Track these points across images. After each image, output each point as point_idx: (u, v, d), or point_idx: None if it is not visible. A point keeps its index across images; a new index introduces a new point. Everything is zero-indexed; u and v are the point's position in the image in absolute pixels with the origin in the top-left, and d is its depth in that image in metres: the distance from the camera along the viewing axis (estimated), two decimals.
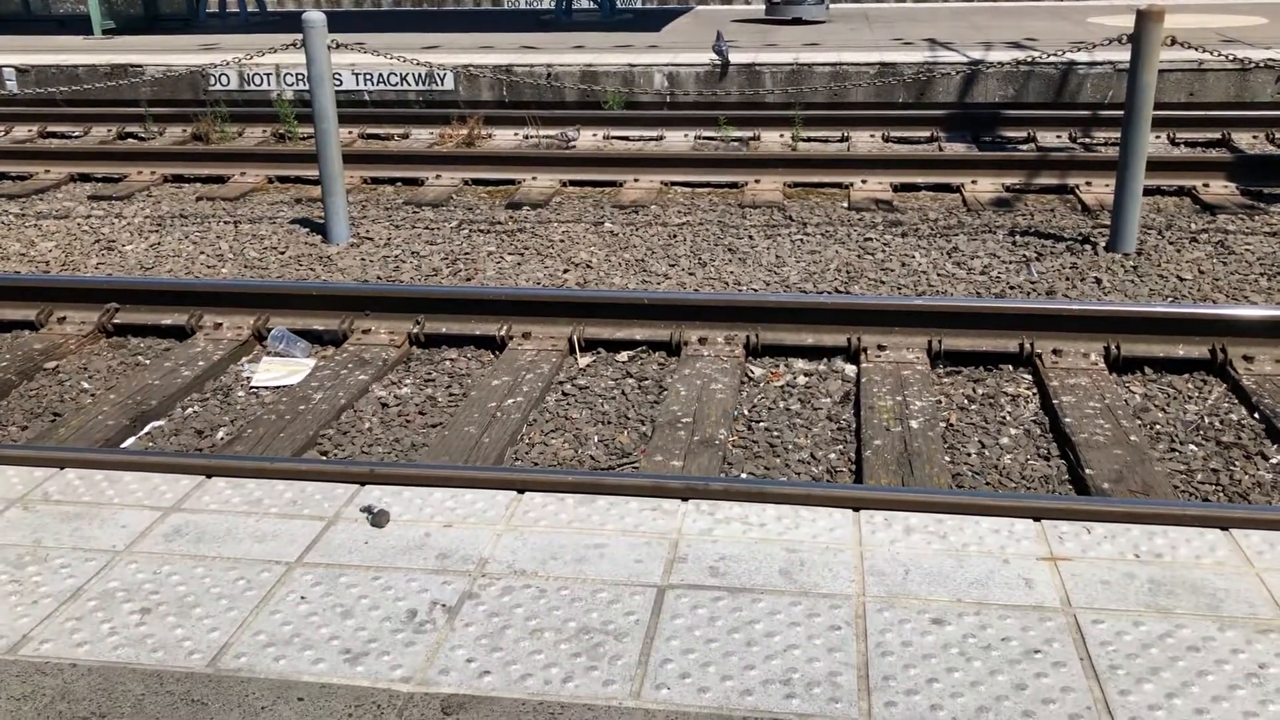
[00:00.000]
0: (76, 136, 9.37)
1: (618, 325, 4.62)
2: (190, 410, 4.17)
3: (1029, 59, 6.80)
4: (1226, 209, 6.41)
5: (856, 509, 2.70)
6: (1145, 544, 2.53)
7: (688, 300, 4.60)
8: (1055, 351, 4.29)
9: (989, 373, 4.31)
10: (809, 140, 8.43)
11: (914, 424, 3.80)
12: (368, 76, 9.86)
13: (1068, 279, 5.33)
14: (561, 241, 6.15)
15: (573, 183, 7.42)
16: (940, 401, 4.07)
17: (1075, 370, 4.19)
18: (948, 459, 3.64)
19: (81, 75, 10.41)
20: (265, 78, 9.97)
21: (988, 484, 3.51)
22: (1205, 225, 6.17)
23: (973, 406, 4.04)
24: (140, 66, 10.32)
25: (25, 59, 10.75)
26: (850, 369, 4.36)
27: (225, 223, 6.69)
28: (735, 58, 9.59)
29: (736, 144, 8.30)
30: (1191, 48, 5.86)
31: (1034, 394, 4.12)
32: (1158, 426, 3.85)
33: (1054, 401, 3.95)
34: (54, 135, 9.44)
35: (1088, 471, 3.49)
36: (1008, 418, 3.94)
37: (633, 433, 3.91)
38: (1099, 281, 5.28)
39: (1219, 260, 5.56)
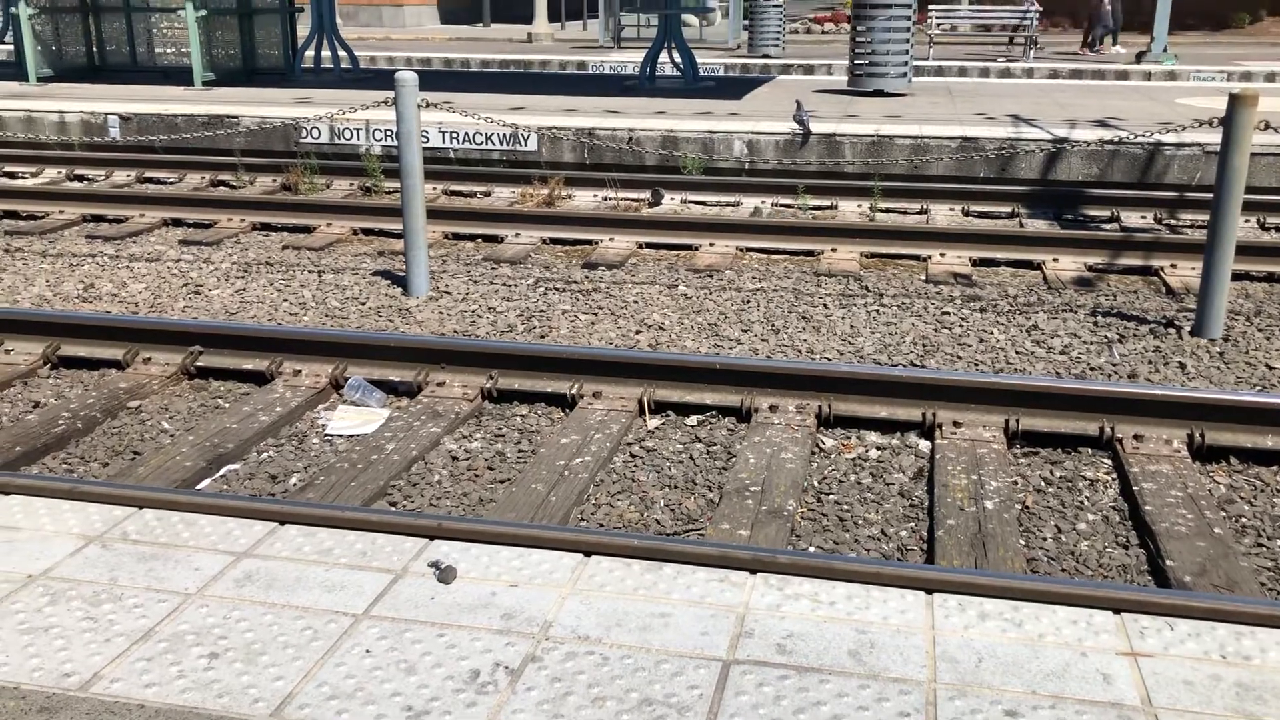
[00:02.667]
0: (172, 183, 9.70)
1: (688, 389, 4.61)
2: (265, 455, 4.24)
3: (1114, 138, 6.73)
4: None
5: (929, 591, 2.64)
6: (1232, 644, 2.43)
7: (760, 367, 4.58)
8: (1136, 437, 4.18)
9: (1067, 455, 4.21)
10: (887, 211, 8.41)
11: (989, 504, 3.72)
12: (454, 135, 10.08)
13: (1150, 363, 5.22)
14: (635, 302, 6.18)
15: (649, 245, 7.48)
16: (1016, 482, 3.98)
17: (1157, 457, 4.07)
18: (1023, 542, 3.56)
19: (180, 124, 10.80)
20: (355, 132, 10.25)
21: (1064, 571, 3.42)
22: None
23: (1049, 489, 3.95)
24: (236, 117, 10.68)
25: (129, 107, 11.19)
26: (924, 445, 4.29)
27: (309, 272, 6.84)
28: (816, 127, 9.64)
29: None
30: None
31: (1113, 479, 4.01)
32: (1244, 520, 3.72)
33: (1134, 488, 3.85)
34: (151, 181, 9.78)
35: (1169, 563, 3.38)
36: (1086, 503, 3.84)
37: (699, 499, 3.88)
38: (1183, 366, 5.16)
39: None
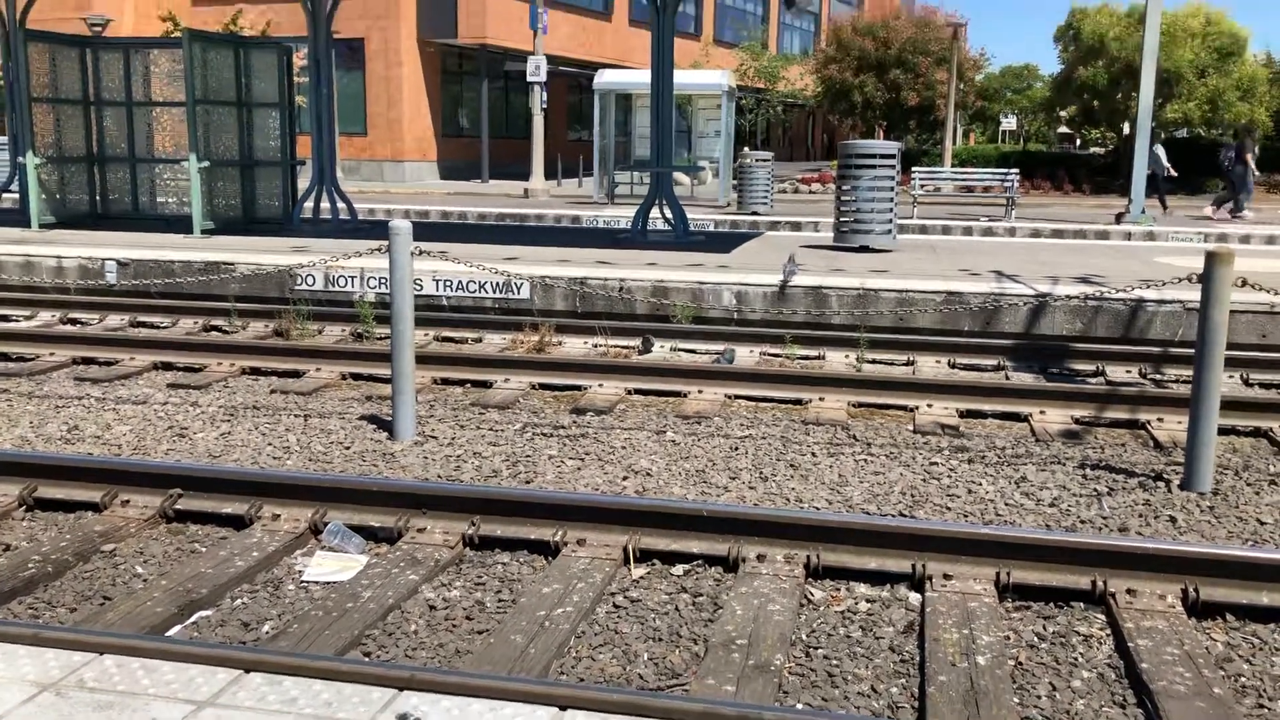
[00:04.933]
0: (165, 327, 9.76)
1: (674, 536, 4.53)
2: (239, 601, 4.12)
3: (1097, 294, 6.84)
4: None
5: None
6: None
7: (747, 515, 4.52)
8: (1129, 591, 4.10)
9: (1059, 610, 4.12)
10: (874, 362, 8.47)
11: (980, 660, 3.61)
12: (448, 282, 10.22)
13: (1141, 516, 5.16)
14: (623, 448, 6.14)
15: (638, 391, 7.49)
16: (1008, 637, 3.88)
17: (1151, 612, 3.99)
18: (1016, 700, 3.44)
19: (177, 270, 10.94)
20: (349, 279, 10.38)
21: None
22: None
23: (1043, 645, 3.84)
24: (232, 264, 10.83)
25: (127, 253, 11.36)
26: (914, 597, 4.20)
27: (295, 415, 6.82)
28: (803, 280, 9.79)
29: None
30: (1263, 290, 5.85)
31: (1107, 635, 3.92)
32: (1243, 679, 3.61)
33: (1129, 644, 3.75)
34: (144, 325, 9.84)
35: None
36: (1080, 659, 3.74)
37: (685, 652, 3.77)
38: (1174, 520, 5.10)
39: None
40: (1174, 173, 24.23)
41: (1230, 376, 7.93)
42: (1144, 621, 3.91)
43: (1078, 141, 57.77)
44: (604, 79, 26.31)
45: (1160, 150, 23.84)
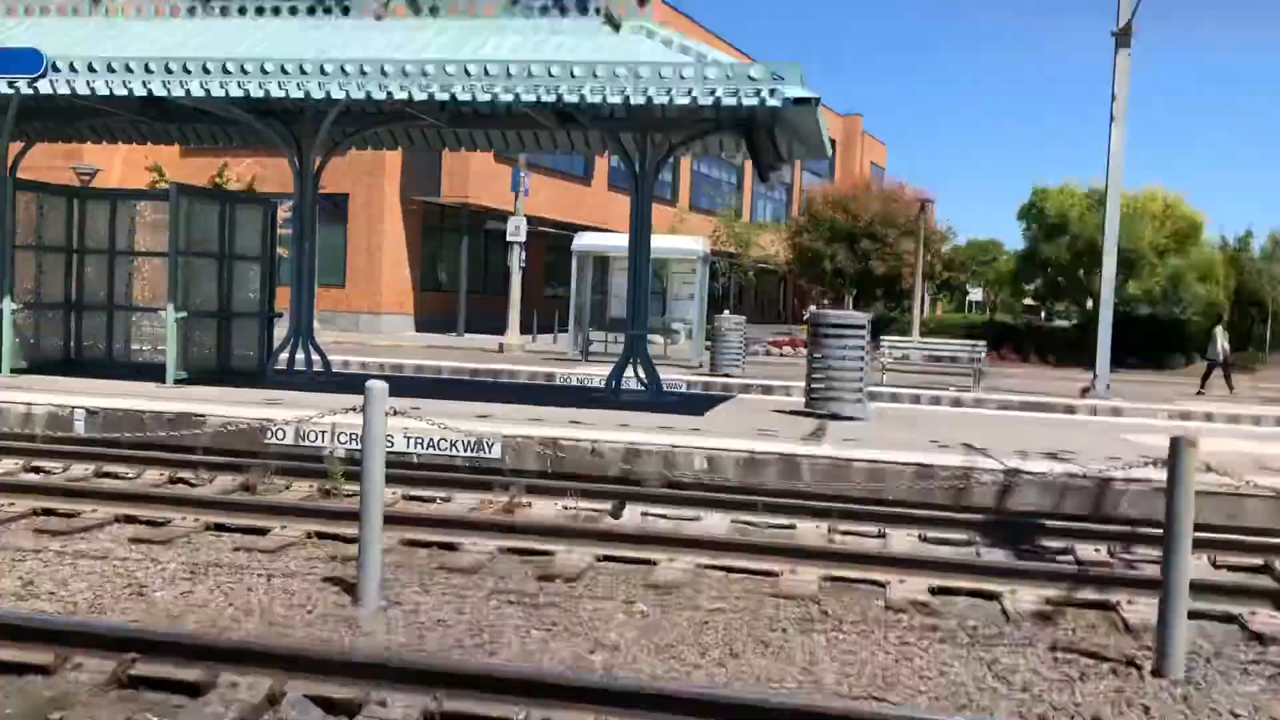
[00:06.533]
0: (130, 478, 9.63)
1: (642, 718, 4.42)
2: None
3: (1066, 472, 6.90)
4: (1278, 640, 6.20)
5: None
6: None
7: (720, 697, 4.42)
8: None
9: None
10: (846, 534, 8.44)
11: None
12: (419, 440, 10.19)
13: (1113, 704, 5.09)
14: (590, 620, 6.04)
15: (608, 558, 7.41)
16: None
17: None
18: None
19: (146, 420, 10.87)
20: (321, 435, 10.34)
21: None
22: (1256, 656, 5.95)
23: None
24: (203, 416, 10.78)
25: (97, 402, 11.30)
26: None
27: (258, 575, 6.68)
28: (767, 446, 9.84)
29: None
30: (1227, 475, 5.93)
31: None
32: None
33: None
34: (109, 475, 9.70)
35: None
36: None
37: None
38: (1147, 710, 5.04)
39: (1275, 696, 5.31)
40: (1229, 353, 25.63)
41: (1198, 559, 7.94)
42: None
43: (1042, 313, 59.25)
44: (582, 241, 26.96)
45: (1219, 332, 25.05)
